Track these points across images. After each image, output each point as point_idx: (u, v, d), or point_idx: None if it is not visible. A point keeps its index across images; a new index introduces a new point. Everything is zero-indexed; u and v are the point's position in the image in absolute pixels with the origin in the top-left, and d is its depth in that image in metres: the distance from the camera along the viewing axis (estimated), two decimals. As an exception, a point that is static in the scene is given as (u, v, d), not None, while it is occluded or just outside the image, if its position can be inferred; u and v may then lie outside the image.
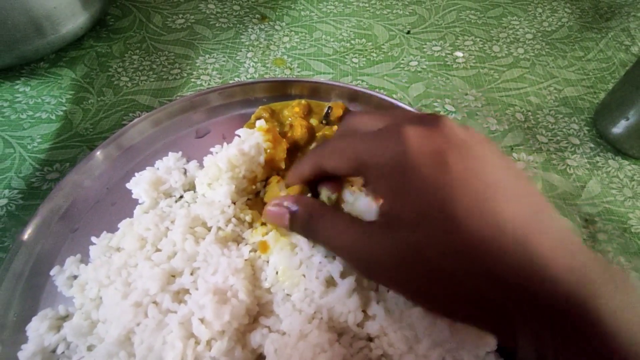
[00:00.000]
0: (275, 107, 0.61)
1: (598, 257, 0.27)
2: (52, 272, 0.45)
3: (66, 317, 0.43)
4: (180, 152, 0.55)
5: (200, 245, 0.44)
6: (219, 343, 0.38)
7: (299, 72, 0.71)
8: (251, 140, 0.51)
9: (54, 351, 0.41)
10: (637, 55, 0.76)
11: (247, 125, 0.58)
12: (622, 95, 0.60)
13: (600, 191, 0.58)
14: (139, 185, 0.51)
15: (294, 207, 0.39)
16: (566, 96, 0.69)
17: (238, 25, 0.80)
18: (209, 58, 0.73)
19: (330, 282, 0.42)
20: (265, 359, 0.39)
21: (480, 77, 0.72)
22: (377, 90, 0.67)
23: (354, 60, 0.74)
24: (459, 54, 0.75)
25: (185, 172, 0.53)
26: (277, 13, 0.82)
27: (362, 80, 0.70)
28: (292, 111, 0.59)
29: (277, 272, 0.42)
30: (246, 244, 0.46)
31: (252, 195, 0.51)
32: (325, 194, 0.42)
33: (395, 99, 0.61)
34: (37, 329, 0.41)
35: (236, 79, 0.70)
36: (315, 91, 0.63)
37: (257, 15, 0.82)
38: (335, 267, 0.41)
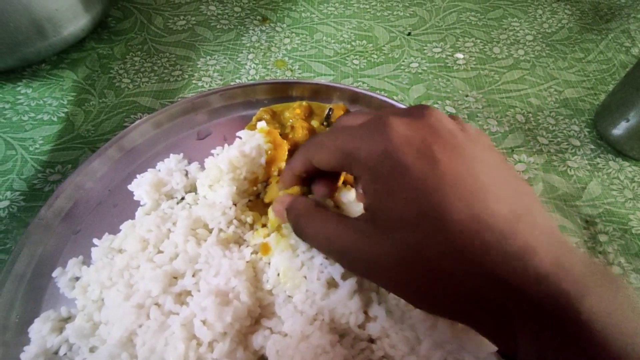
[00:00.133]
0: (276, 108, 0.61)
1: (585, 255, 0.27)
2: (54, 274, 0.46)
3: (68, 319, 0.43)
4: (181, 154, 0.56)
5: (202, 247, 0.44)
6: (220, 344, 0.38)
7: (299, 73, 0.71)
8: (252, 141, 0.51)
9: (56, 353, 0.41)
10: (637, 56, 0.77)
11: (248, 127, 0.58)
12: (622, 96, 0.60)
13: (600, 192, 0.58)
14: (141, 187, 0.51)
15: (287, 207, 0.39)
16: (566, 98, 0.69)
17: (239, 26, 0.80)
18: (210, 60, 0.73)
19: (331, 284, 0.42)
20: (266, 361, 0.39)
21: (480, 78, 0.72)
22: (378, 92, 0.67)
23: (355, 61, 0.74)
24: (460, 55, 0.76)
25: (186, 174, 0.53)
26: (277, 14, 0.82)
27: (363, 82, 0.70)
28: (293, 113, 0.59)
29: (278, 274, 0.43)
30: (247, 246, 0.46)
31: (252, 197, 0.52)
32: (315, 196, 0.41)
33: (396, 101, 0.61)
34: (40, 330, 0.41)
35: (237, 80, 0.70)
36: (316, 93, 0.63)
37: (258, 17, 0.82)
38: (336, 268, 0.41)
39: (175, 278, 0.43)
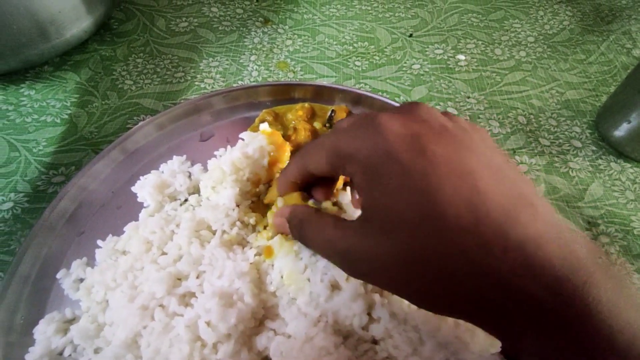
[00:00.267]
0: (279, 110, 0.61)
1: (588, 243, 0.27)
2: (58, 275, 0.46)
3: (73, 320, 0.43)
4: (184, 156, 0.56)
5: (206, 248, 0.45)
6: (225, 346, 0.38)
7: (302, 75, 0.71)
8: (255, 143, 0.52)
9: (61, 354, 0.41)
10: (638, 58, 0.77)
11: (251, 129, 0.58)
12: (624, 98, 0.61)
13: (602, 194, 0.58)
14: (144, 188, 0.51)
15: (288, 217, 0.39)
16: (568, 99, 0.69)
17: (241, 28, 0.80)
18: (212, 61, 0.73)
19: (335, 286, 0.42)
20: (270, 362, 0.39)
21: (482, 80, 0.72)
22: (380, 93, 0.68)
23: (357, 63, 0.74)
24: (461, 57, 0.76)
25: (189, 176, 0.53)
26: (280, 16, 0.83)
27: (365, 84, 0.70)
28: (295, 114, 0.59)
29: (282, 277, 0.43)
30: (251, 248, 0.46)
31: (255, 198, 0.52)
32: (312, 203, 0.41)
33: (398, 102, 0.61)
34: (44, 331, 0.42)
35: (240, 82, 0.70)
36: (319, 94, 0.64)
37: (260, 19, 0.82)
38: (340, 271, 0.41)
39: (179, 280, 0.43)
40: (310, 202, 0.40)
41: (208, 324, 0.39)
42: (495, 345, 0.39)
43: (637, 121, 0.58)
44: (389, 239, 0.28)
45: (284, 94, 0.64)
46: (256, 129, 0.57)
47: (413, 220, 0.27)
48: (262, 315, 0.42)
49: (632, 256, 0.52)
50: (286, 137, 0.56)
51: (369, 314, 0.41)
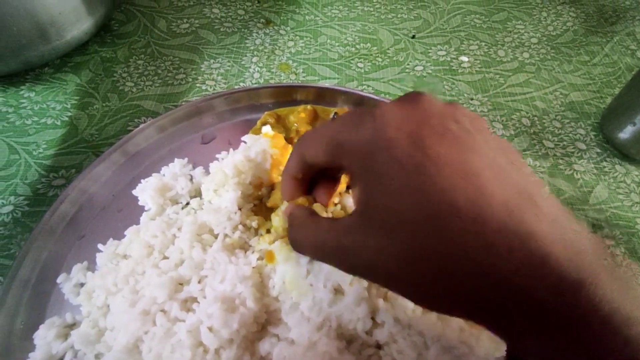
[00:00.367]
0: (281, 112, 0.61)
1: (594, 240, 0.26)
2: (58, 280, 0.45)
3: (73, 325, 0.43)
4: (186, 159, 0.55)
5: (208, 252, 0.44)
6: (227, 351, 0.38)
7: (304, 77, 0.71)
8: (257, 146, 0.51)
9: (61, 359, 0.41)
10: (642, 59, 0.76)
11: (253, 131, 0.57)
12: (628, 100, 0.60)
13: (607, 196, 0.57)
14: (145, 191, 0.50)
15: (287, 218, 0.37)
16: (572, 101, 0.69)
17: (243, 29, 0.79)
18: (213, 63, 0.73)
19: (338, 290, 0.41)
20: (274, 367, 0.38)
21: (485, 81, 0.72)
22: (383, 95, 0.67)
23: (359, 65, 0.73)
24: (464, 58, 0.75)
25: (191, 179, 0.53)
26: (281, 17, 0.82)
27: (368, 85, 0.70)
28: (298, 117, 0.59)
29: (284, 282, 0.42)
30: (253, 252, 0.46)
31: (257, 201, 0.51)
32: (317, 206, 0.39)
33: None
34: (45, 337, 0.41)
35: (241, 84, 0.70)
36: (321, 96, 0.63)
37: (261, 20, 0.82)
38: (343, 275, 0.41)
39: (181, 284, 0.43)
40: (316, 206, 0.39)
41: (210, 329, 0.38)
42: (500, 349, 0.39)
43: (642, 123, 0.58)
44: (389, 238, 0.27)
45: (286, 96, 0.64)
46: (258, 132, 0.56)
47: (415, 220, 0.26)
48: (264, 320, 0.42)
49: (637, 259, 0.52)
50: (288, 140, 0.55)
51: (372, 319, 0.40)
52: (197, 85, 0.69)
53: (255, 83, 0.70)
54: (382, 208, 0.28)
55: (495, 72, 0.73)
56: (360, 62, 0.74)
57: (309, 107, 0.60)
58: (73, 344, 0.41)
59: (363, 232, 0.29)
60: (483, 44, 0.79)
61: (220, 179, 0.49)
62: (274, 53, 0.75)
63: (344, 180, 0.45)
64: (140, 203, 0.51)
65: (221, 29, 0.79)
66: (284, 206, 0.42)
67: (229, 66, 0.72)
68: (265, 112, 0.60)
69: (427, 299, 0.29)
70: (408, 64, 0.74)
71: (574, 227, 0.26)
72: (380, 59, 0.75)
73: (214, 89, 0.69)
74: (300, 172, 0.36)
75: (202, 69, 0.72)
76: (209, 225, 0.47)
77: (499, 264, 0.25)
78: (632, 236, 0.53)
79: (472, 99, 0.69)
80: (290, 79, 0.71)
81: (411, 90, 0.47)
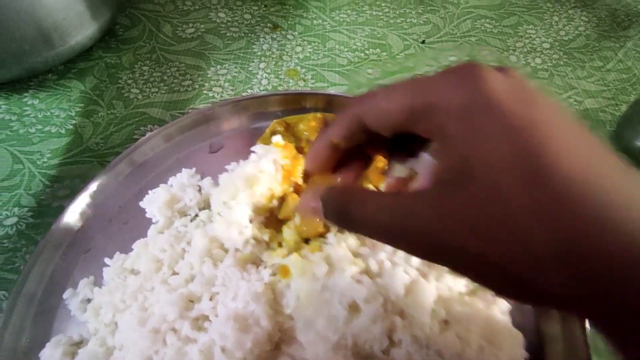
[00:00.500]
0: (290, 120, 0.59)
1: None
2: (65, 295, 0.44)
3: (80, 343, 0.42)
4: (194, 168, 0.54)
5: (219, 268, 0.43)
6: (240, 372, 0.36)
7: (313, 83, 0.70)
8: (268, 156, 0.50)
9: (68, 380, 0.40)
10: (657, 65, 0.75)
11: (261, 140, 0.56)
12: (645, 107, 0.59)
13: (625, 207, 0.56)
14: (153, 203, 0.49)
15: (325, 197, 0.31)
16: (587, 108, 0.68)
17: (249, 34, 0.78)
18: (220, 69, 0.72)
19: (354, 308, 0.40)
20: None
21: (497, 88, 0.70)
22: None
23: (369, 71, 0.72)
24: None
25: (199, 190, 0.52)
26: (289, 22, 0.81)
27: (378, 92, 0.68)
28: (308, 125, 0.57)
29: (298, 298, 0.41)
30: (265, 267, 0.44)
31: (268, 213, 0.50)
32: (398, 170, 0.34)
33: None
34: (51, 355, 0.40)
35: (249, 90, 0.68)
36: (331, 104, 0.62)
37: (268, 24, 0.80)
38: (359, 292, 0.39)
39: (192, 301, 0.42)
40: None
41: (223, 349, 0.37)
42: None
43: (660, 132, 0.56)
44: (465, 193, 0.24)
45: (295, 103, 0.62)
46: (267, 140, 0.55)
47: (522, 179, 0.23)
48: (278, 339, 0.40)
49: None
50: (299, 149, 0.54)
51: (389, 337, 0.39)
52: (204, 92, 0.68)
53: (263, 90, 0.68)
54: (484, 165, 0.24)
55: (507, 78, 0.72)
56: (370, 68, 0.73)
57: (319, 115, 0.59)
58: (80, 364, 0.39)
59: (456, 192, 0.25)
60: (494, 49, 0.77)
61: (230, 191, 0.47)
62: (281, 59, 0.74)
63: (380, 160, 0.41)
64: (147, 215, 0.50)
65: (227, 34, 0.78)
66: (297, 219, 0.40)
67: (236, 72, 0.71)
68: (274, 120, 0.59)
69: (502, 266, 0.24)
70: (419, 70, 0.72)
71: None
72: (390, 65, 0.73)
73: (221, 96, 0.67)
74: (346, 138, 0.32)
75: (209, 75, 0.70)
76: (219, 239, 0.45)
77: (611, 249, 0.21)
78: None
79: (484, 106, 0.67)
80: (299, 86, 0.69)
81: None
